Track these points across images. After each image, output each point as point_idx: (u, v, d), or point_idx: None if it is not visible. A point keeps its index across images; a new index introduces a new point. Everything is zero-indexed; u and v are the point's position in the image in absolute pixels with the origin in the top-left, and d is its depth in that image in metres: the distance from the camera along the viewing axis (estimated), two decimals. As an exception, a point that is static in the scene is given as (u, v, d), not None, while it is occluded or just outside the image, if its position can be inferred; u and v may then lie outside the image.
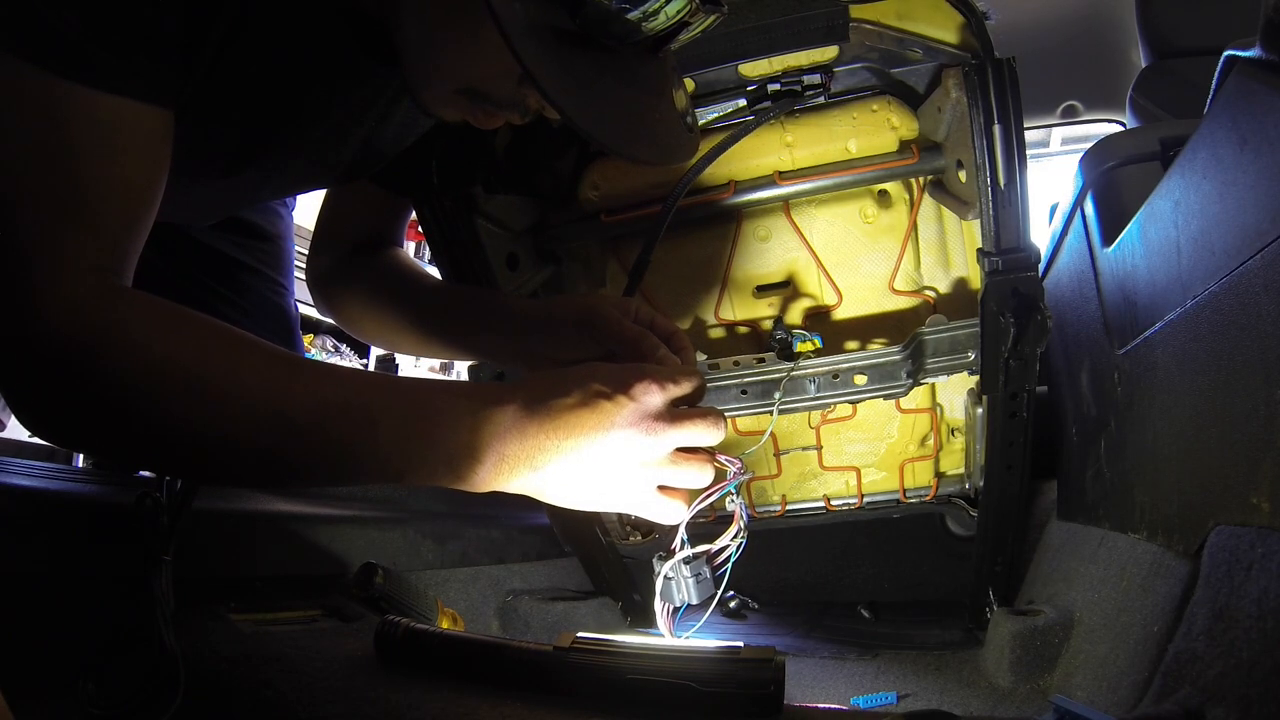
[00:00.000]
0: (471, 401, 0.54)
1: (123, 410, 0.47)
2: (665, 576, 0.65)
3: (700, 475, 0.58)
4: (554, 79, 0.50)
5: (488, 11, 0.47)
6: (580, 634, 0.62)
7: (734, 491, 0.63)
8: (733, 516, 0.65)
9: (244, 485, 0.62)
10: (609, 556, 1.25)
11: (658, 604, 0.66)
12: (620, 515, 1.25)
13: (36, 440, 0.52)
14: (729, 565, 0.65)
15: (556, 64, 0.51)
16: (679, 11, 0.53)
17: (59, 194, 0.47)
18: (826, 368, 1.01)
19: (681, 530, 0.64)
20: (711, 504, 0.61)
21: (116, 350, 0.46)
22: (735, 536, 0.64)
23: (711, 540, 0.65)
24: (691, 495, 0.60)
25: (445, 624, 0.91)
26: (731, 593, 1.41)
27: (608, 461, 0.55)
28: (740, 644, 0.58)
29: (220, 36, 0.53)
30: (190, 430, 0.48)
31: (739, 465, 0.62)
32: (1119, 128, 2.06)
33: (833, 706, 0.63)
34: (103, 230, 0.49)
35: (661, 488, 0.57)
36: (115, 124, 0.48)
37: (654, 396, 0.55)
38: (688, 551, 0.64)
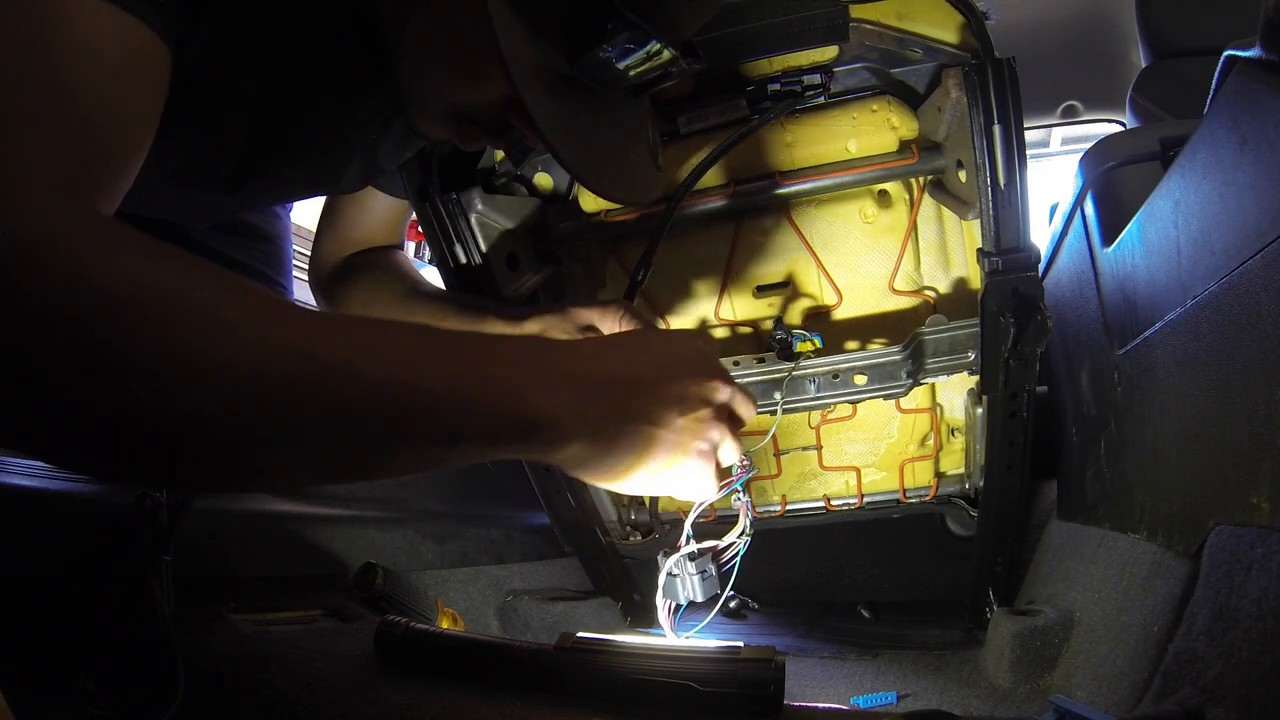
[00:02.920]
0: (539, 342, 0.49)
1: (94, 353, 0.34)
2: (669, 573, 0.65)
3: (733, 450, 0.56)
4: (551, 121, 0.53)
5: (497, 53, 0.49)
6: (580, 634, 0.62)
7: (740, 489, 0.63)
8: (735, 516, 0.65)
9: (243, 469, 0.40)
10: (609, 556, 1.25)
11: (660, 600, 0.65)
12: (620, 515, 1.25)
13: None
14: (736, 562, 0.65)
15: (554, 105, 0.54)
16: (664, 63, 0.57)
17: (35, 97, 0.39)
18: (826, 368, 1.01)
19: (687, 526, 0.64)
20: (713, 504, 0.61)
21: (97, 272, 0.34)
22: (743, 534, 0.65)
23: (713, 540, 0.65)
24: (720, 474, 0.57)
25: (445, 624, 0.91)
26: (732, 593, 1.41)
27: (673, 404, 0.51)
28: (740, 644, 0.58)
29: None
30: (185, 374, 0.35)
31: (746, 461, 0.62)
32: (1119, 128, 2.06)
33: (833, 706, 0.63)
34: (84, 149, 0.41)
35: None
36: (114, 39, 0.43)
37: (715, 351, 0.55)
38: (693, 547, 0.64)
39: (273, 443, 0.38)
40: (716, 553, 0.65)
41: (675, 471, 0.53)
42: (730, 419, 0.55)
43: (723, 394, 0.53)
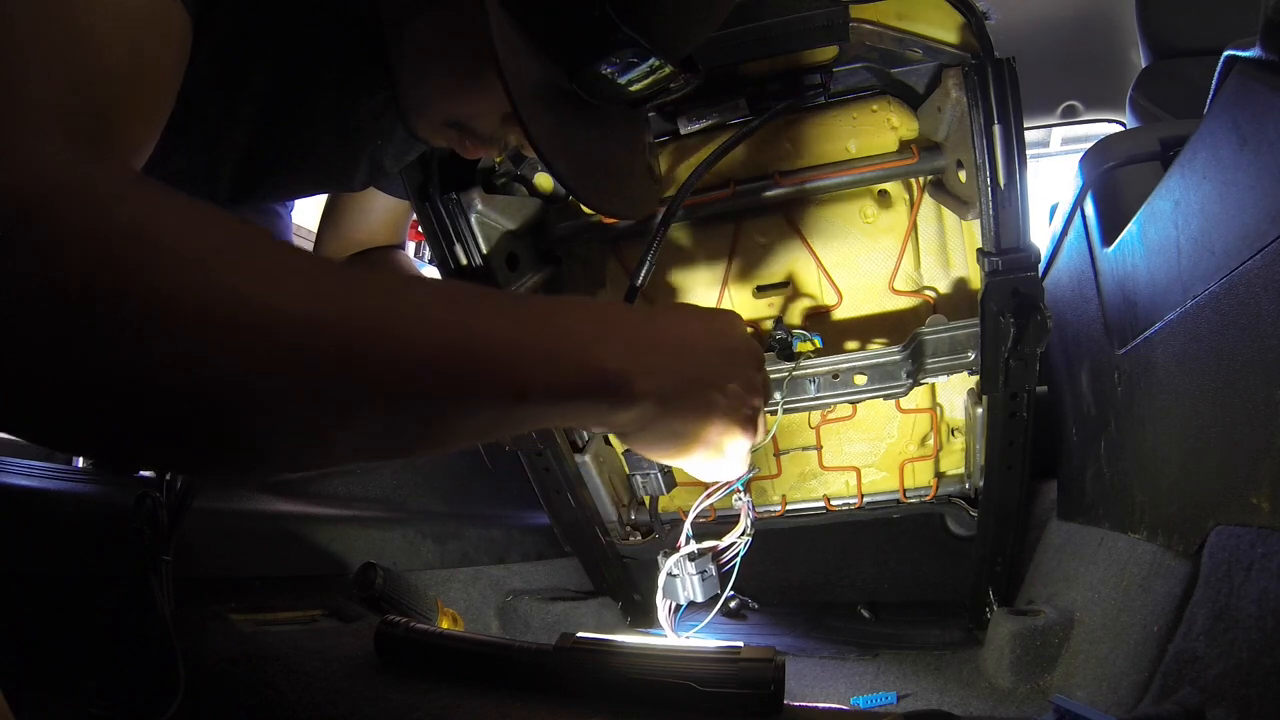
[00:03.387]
0: (590, 301, 0.48)
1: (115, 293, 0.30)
2: (669, 573, 0.65)
3: (762, 431, 0.56)
4: (548, 138, 0.52)
5: (495, 69, 0.48)
6: (580, 634, 0.62)
7: (741, 489, 0.63)
8: (735, 516, 0.65)
9: (287, 443, 0.36)
10: (609, 556, 1.25)
11: (660, 601, 0.66)
12: (620, 515, 1.25)
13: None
14: (737, 562, 0.65)
15: (551, 121, 0.53)
16: (664, 79, 0.57)
17: (58, 42, 0.36)
18: (827, 368, 1.01)
19: (687, 526, 0.64)
20: (714, 503, 0.62)
21: (120, 219, 0.31)
22: (743, 534, 0.65)
23: (714, 540, 0.65)
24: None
25: (445, 624, 0.91)
26: (732, 593, 1.41)
27: (726, 365, 0.51)
28: (740, 644, 0.58)
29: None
30: (216, 335, 0.31)
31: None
32: (1119, 128, 2.06)
33: (833, 706, 0.63)
34: (105, 98, 0.38)
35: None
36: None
37: (744, 324, 0.55)
38: (693, 547, 0.64)
39: (315, 412, 0.34)
40: (716, 553, 0.65)
41: (728, 443, 0.53)
42: (764, 389, 0.55)
43: (759, 357, 0.54)
